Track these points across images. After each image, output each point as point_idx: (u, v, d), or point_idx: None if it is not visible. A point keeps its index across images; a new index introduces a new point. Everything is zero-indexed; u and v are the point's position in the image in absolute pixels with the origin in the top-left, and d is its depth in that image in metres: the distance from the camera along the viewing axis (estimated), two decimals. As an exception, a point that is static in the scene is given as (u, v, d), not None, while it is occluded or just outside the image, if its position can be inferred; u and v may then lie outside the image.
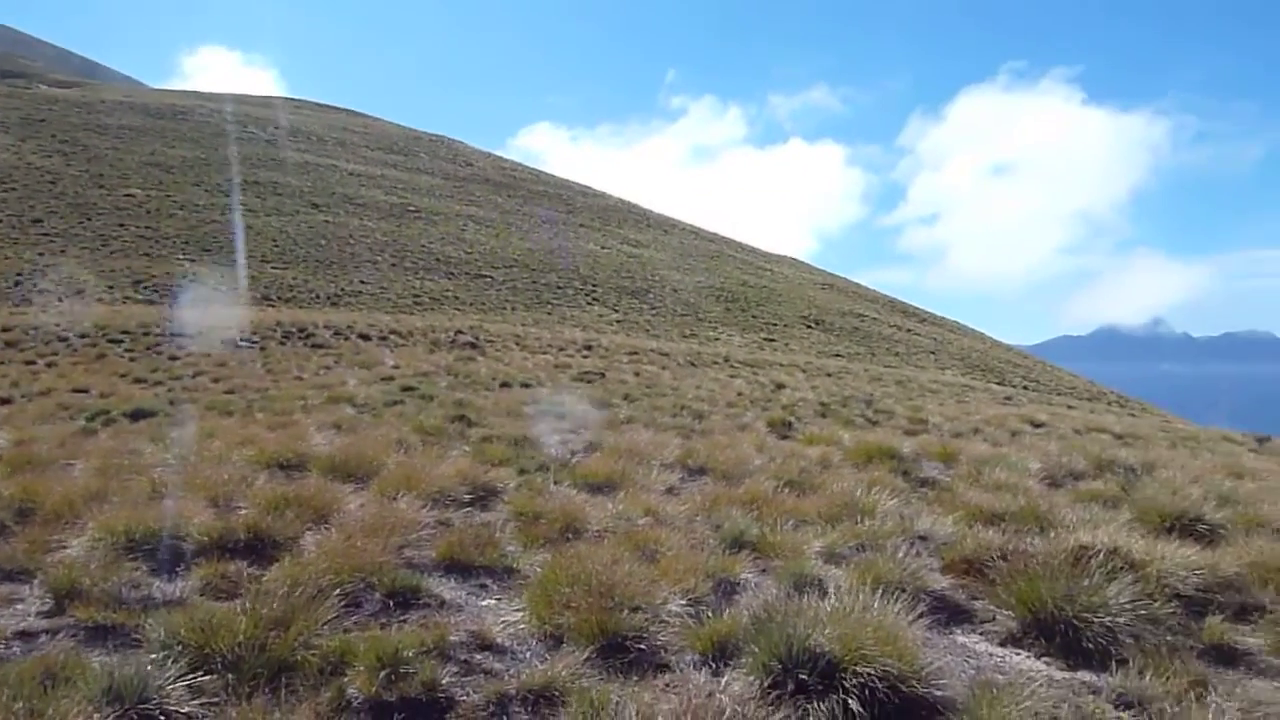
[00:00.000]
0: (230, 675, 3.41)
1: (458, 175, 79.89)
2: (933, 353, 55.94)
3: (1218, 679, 3.69)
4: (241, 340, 24.92)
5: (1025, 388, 46.90)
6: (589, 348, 29.71)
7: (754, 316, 54.37)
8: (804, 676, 3.36)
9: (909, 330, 62.96)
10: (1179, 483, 8.21)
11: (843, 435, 12.01)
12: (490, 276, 52.16)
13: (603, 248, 64.99)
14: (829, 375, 30.86)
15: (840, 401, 19.94)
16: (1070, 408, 31.46)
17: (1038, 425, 17.88)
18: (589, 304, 49.88)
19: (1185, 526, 6.43)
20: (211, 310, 32.59)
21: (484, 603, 4.59)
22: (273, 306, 37.89)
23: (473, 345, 25.98)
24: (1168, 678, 3.52)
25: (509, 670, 3.70)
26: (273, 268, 46.25)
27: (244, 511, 5.65)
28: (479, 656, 3.84)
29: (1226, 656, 4.11)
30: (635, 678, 3.57)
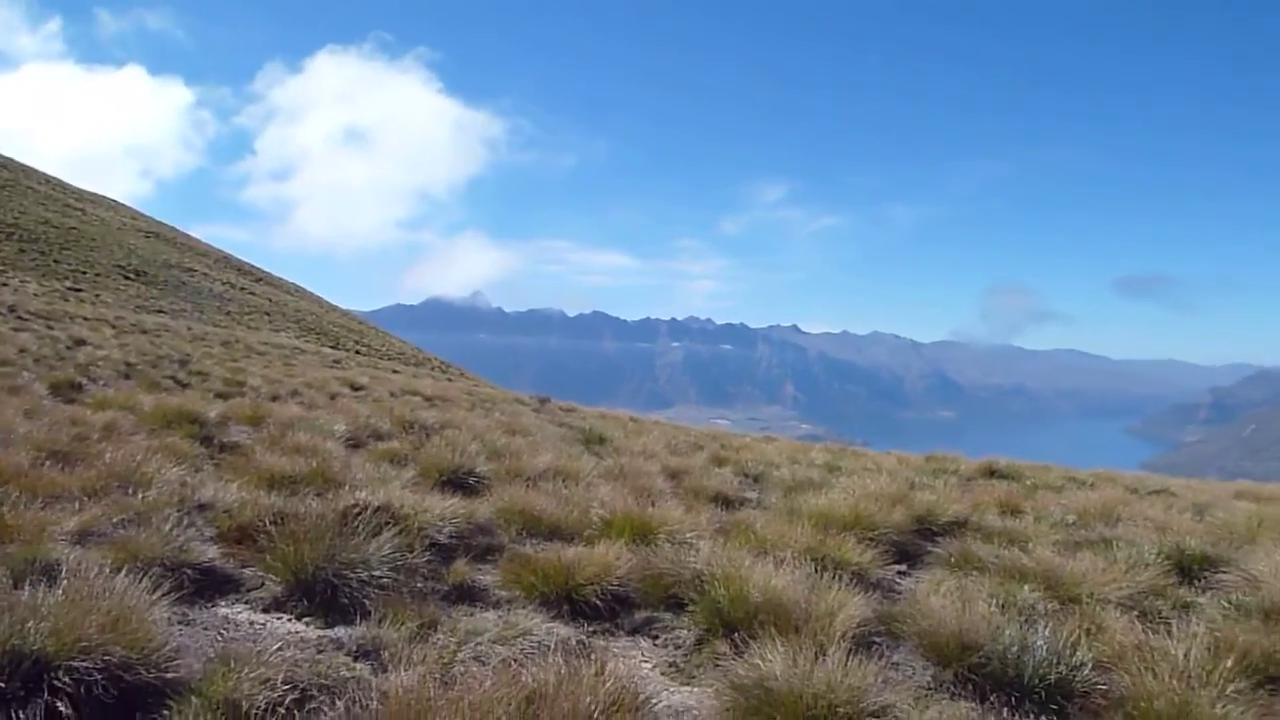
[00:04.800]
0: None
1: None
2: (268, 314, 54.40)
3: (450, 616, 4.10)
4: None
5: (358, 352, 48.28)
6: None
7: (56, 261, 46.78)
8: (1, 685, 2.86)
9: (243, 289, 60.32)
10: (463, 440, 9.11)
11: (143, 399, 10.96)
12: None
13: None
14: (145, 333, 27.97)
15: (151, 362, 18.18)
16: (396, 372, 33.24)
17: (358, 388, 18.48)
18: None
19: (459, 480, 7.15)
20: None
21: None
22: None
23: None
24: (403, 623, 3.80)
25: None
26: None
27: None
28: None
29: (467, 594, 4.61)
30: None
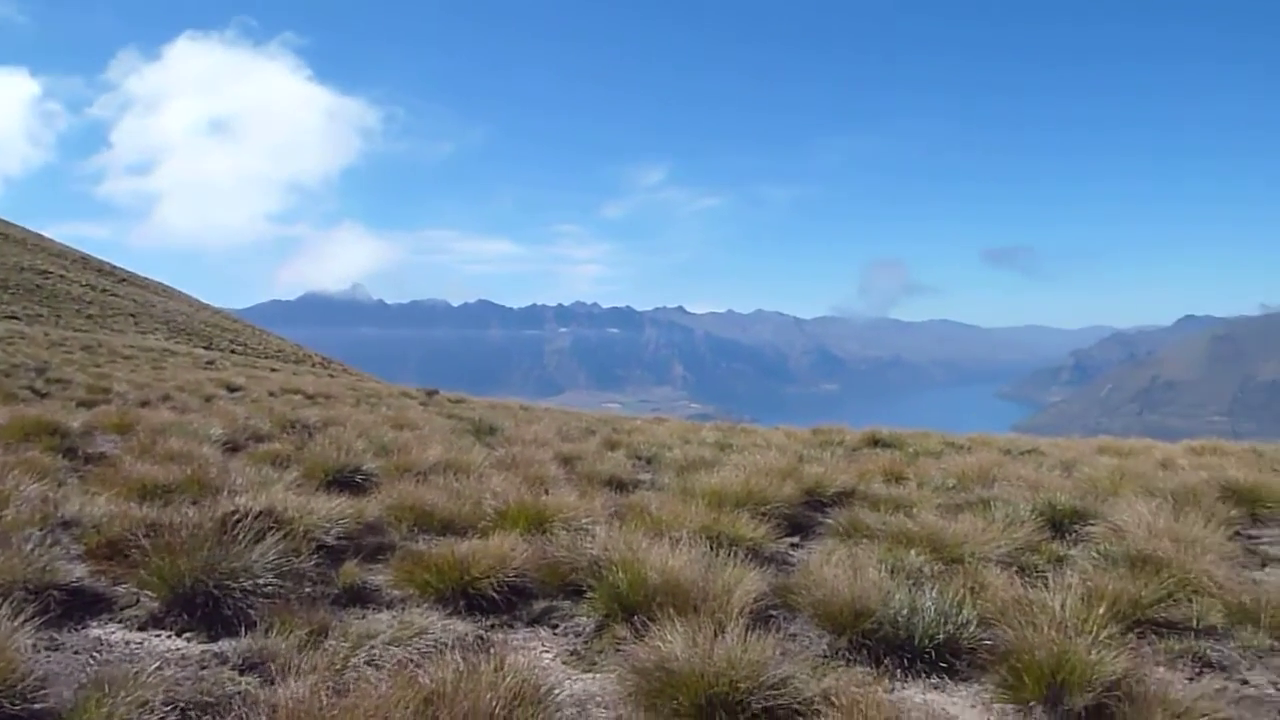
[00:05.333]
0: None
1: None
2: (133, 315, 51.71)
3: (342, 620, 3.96)
4: None
5: (233, 351, 46.42)
6: None
7: (-108, 268, 43.37)
8: None
9: (105, 290, 57.13)
10: (348, 438, 8.84)
11: (-3, 412, 10.24)
12: None
13: None
14: (-5, 341, 26.20)
15: (4, 371, 17.04)
16: (274, 371, 32.07)
17: (235, 389, 17.76)
18: None
19: (346, 479, 6.95)
20: None
21: None
22: None
23: None
24: (292, 631, 3.64)
25: None
26: None
27: None
28: None
29: (358, 596, 4.47)
30: None
